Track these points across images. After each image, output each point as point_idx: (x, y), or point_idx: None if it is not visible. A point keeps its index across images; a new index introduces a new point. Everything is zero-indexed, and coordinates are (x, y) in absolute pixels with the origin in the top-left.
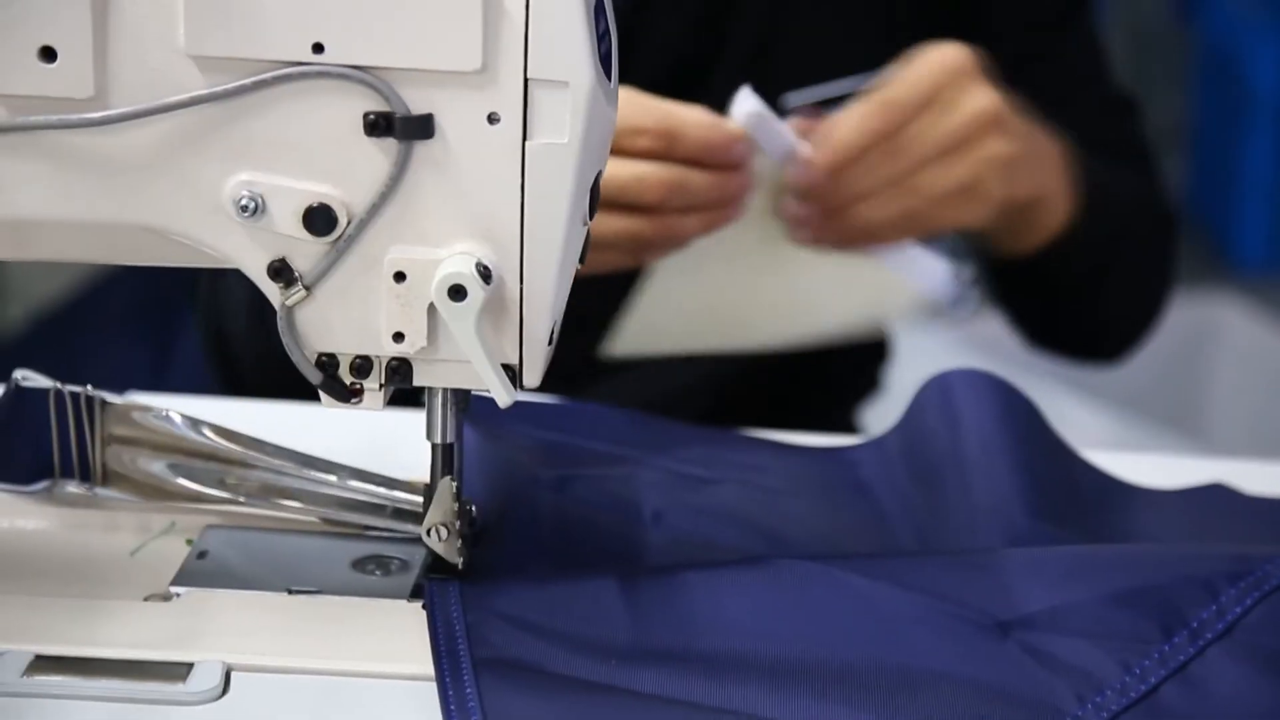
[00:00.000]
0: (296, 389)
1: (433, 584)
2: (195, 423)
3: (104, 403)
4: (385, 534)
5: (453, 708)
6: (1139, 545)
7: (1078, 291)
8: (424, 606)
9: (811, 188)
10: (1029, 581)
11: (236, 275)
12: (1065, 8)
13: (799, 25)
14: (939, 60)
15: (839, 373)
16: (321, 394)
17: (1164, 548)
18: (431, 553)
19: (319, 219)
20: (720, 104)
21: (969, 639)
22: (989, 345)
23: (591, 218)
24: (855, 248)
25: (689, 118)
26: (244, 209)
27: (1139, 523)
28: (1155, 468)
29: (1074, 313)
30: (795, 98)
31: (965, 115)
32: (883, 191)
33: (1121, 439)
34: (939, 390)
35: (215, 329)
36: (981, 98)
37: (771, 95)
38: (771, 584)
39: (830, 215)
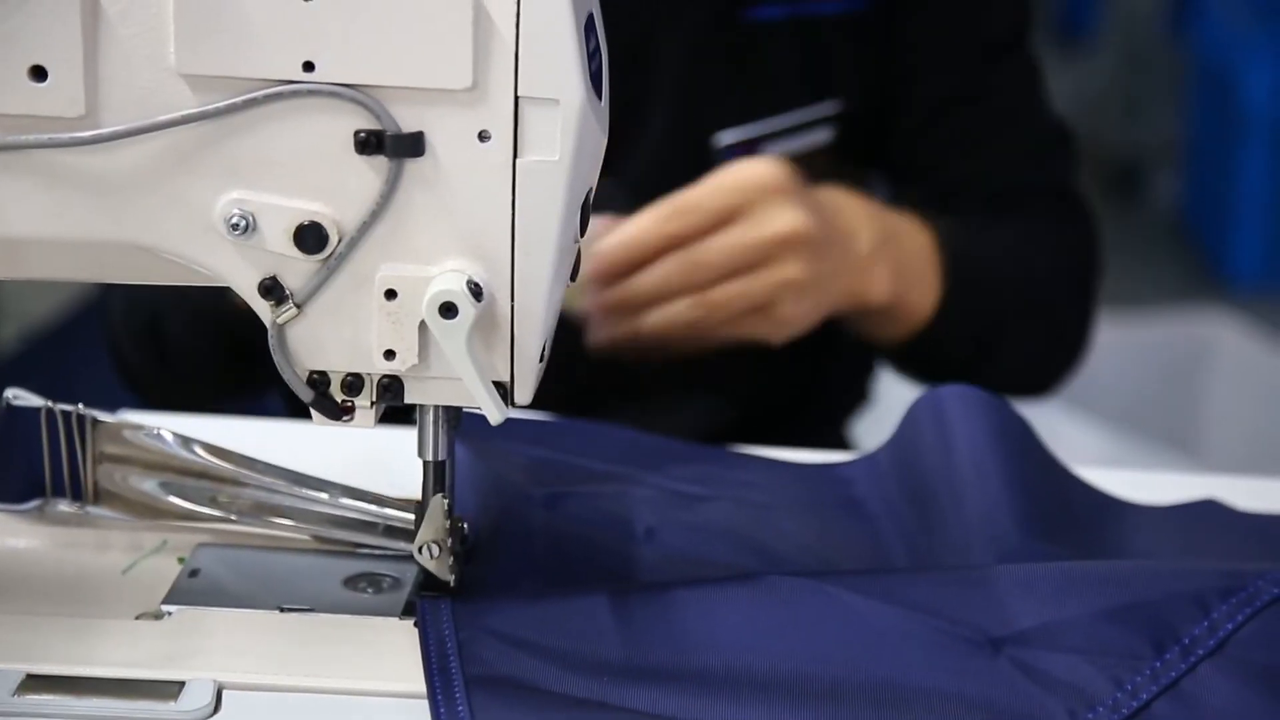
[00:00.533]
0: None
1: (424, 601)
2: (187, 441)
3: (95, 421)
4: (377, 551)
5: None
6: (1130, 561)
7: (964, 363)
8: (416, 624)
9: (599, 278)
10: (1021, 598)
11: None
12: (996, 44)
13: (725, 65)
14: (747, 175)
15: (828, 386)
16: (313, 412)
17: (1155, 564)
18: (423, 570)
19: (310, 237)
20: (652, 144)
21: (960, 655)
22: None
23: (583, 235)
24: (646, 351)
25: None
26: (235, 227)
27: (1131, 539)
28: (1149, 484)
29: (967, 376)
30: (726, 136)
31: (764, 234)
32: (673, 298)
33: (1116, 455)
34: (931, 406)
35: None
36: (784, 218)
37: (701, 135)
38: (763, 600)
39: (621, 314)
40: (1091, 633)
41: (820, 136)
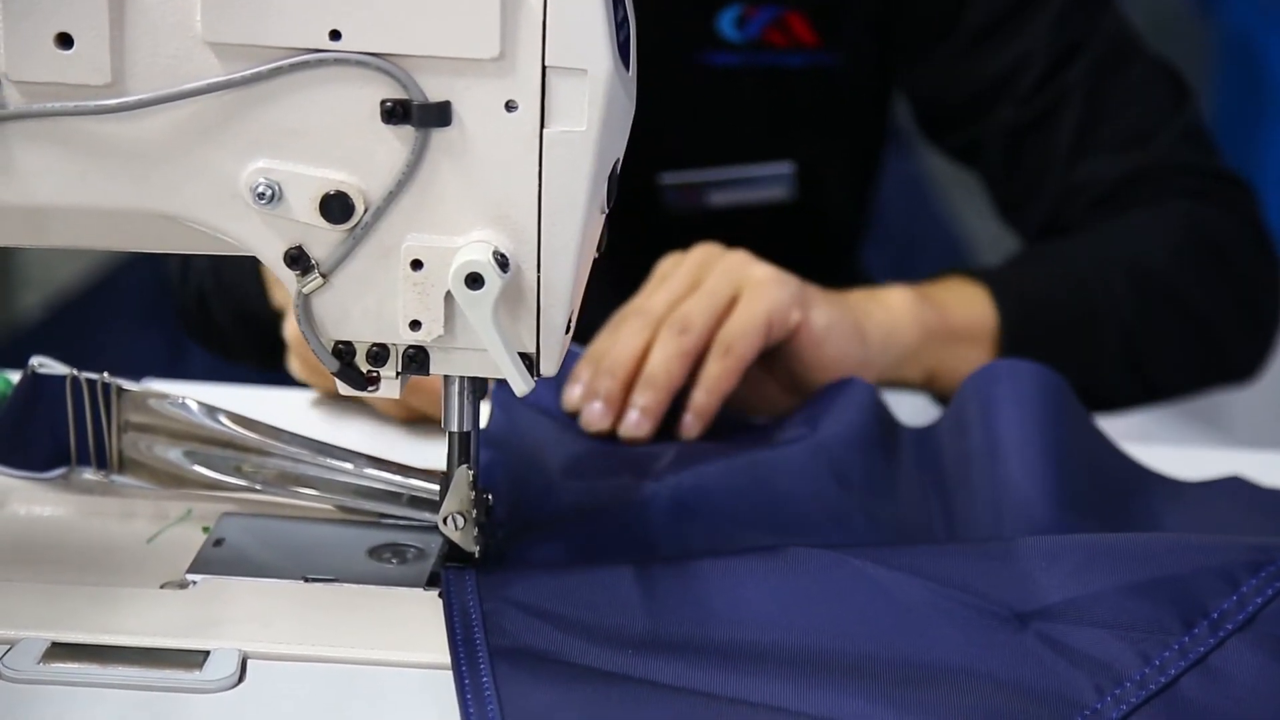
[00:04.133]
0: (272, 353)
1: (449, 572)
2: (212, 410)
3: (120, 390)
4: (402, 522)
5: (469, 696)
6: (1159, 535)
7: (1110, 380)
8: (440, 595)
9: (619, 395)
10: (1047, 571)
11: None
12: (1062, 45)
13: (676, 106)
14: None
15: None
16: (339, 382)
17: (1183, 537)
18: (448, 541)
19: (336, 206)
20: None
21: (987, 631)
22: None
23: (610, 206)
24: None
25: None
26: (261, 196)
27: (1160, 514)
28: (1175, 459)
29: (1128, 392)
30: (670, 177)
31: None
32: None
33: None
34: (984, 379)
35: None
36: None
37: (647, 172)
38: (789, 574)
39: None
40: (1118, 607)
41: (774, 192)
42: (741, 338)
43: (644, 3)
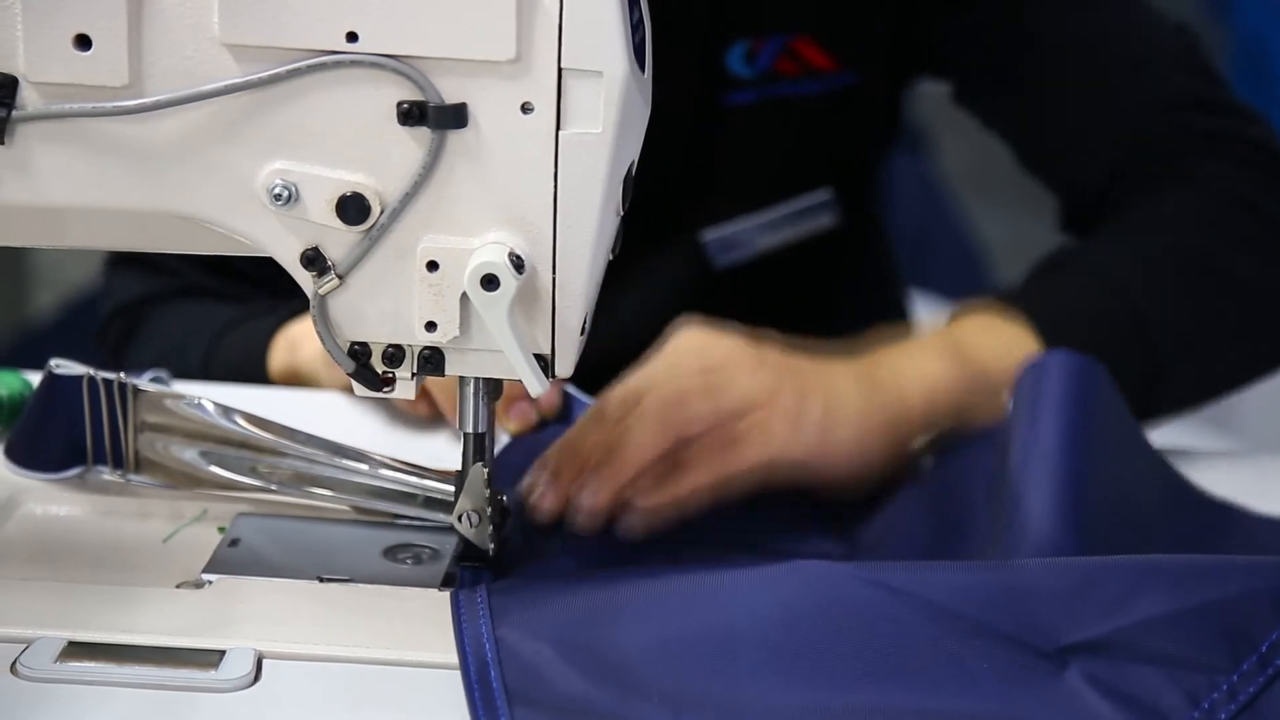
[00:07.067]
0: None
1: (464, 571)
2: (227, 410)
3: (137, 390)
4: (416, 522)
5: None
6: (1201, 557)
7: (1185, 387)
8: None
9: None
10: (1089, 598)
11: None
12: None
13: (706, 159)
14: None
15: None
16: (354, 383)
17: (1230, 558)
18: (462, 541)
19: (352, 208)
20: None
21: (1025, 672)
22: None
23: (625, 208)
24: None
25: None
26: (277, 197)
27: (1196, 535)
28: (1188, 463)
29: (1205, 384)
30: (711, 233)
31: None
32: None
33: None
34: (1032, 379)
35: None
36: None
37: (688, 234)
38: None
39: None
40: (1165, 636)
41: (818, 223)
42: (726, 481)
43: (653, 53)
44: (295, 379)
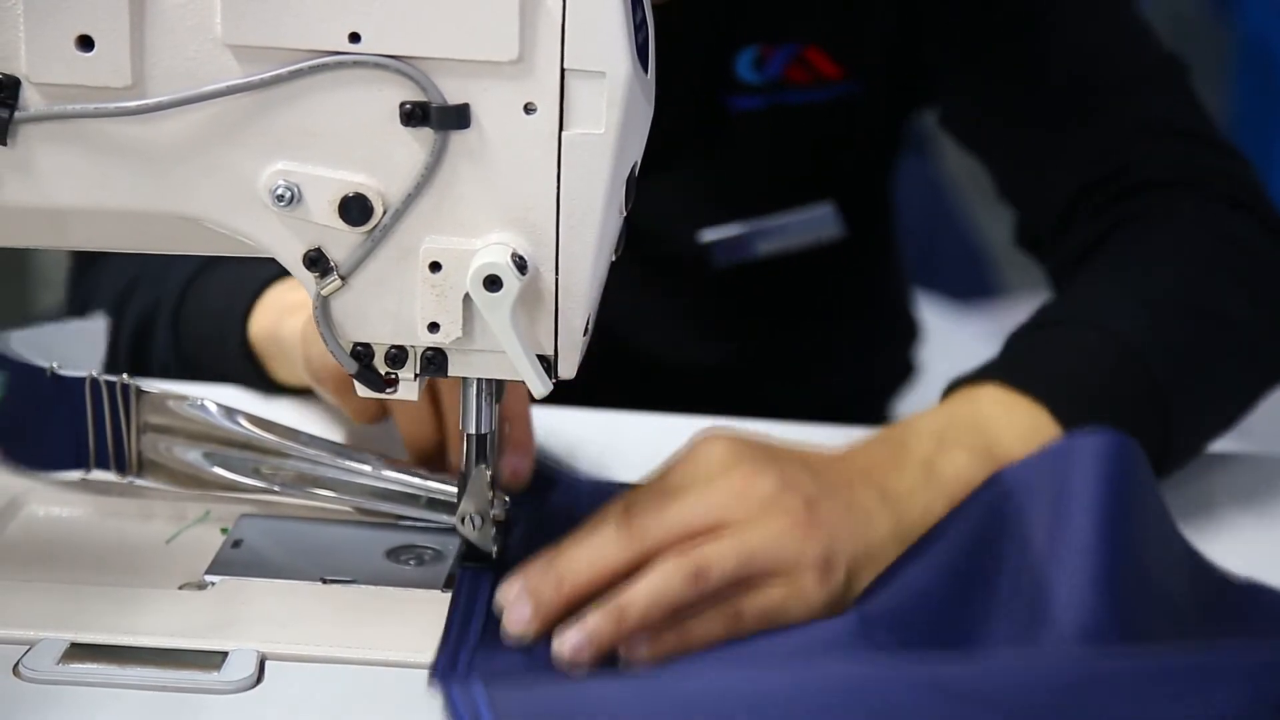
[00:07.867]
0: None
1: (465, 572)
2: (230, 412)
3: (140, 391)
4: (419, 524)
5: None
6: (1256, 644)
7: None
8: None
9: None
10: (1163, 688)
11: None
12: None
13: (708, 161)
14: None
15: (873, 363)
16: (357, 383)
17: (1240, 650)
18: (465, 542)
19: (354, 209)
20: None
21: None
22: None
23: (628, 208)
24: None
25: None
26: (280, 198)
27: (1224, 626)
28: (1196, 464)
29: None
30: (711, 234)
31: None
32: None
33: None
34: (1061, 461)
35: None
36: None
37: (689, 233)
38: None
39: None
40: None
41: (821, 232)
42: (742, 631)
43: (660, 56)
44: (272, 344)
